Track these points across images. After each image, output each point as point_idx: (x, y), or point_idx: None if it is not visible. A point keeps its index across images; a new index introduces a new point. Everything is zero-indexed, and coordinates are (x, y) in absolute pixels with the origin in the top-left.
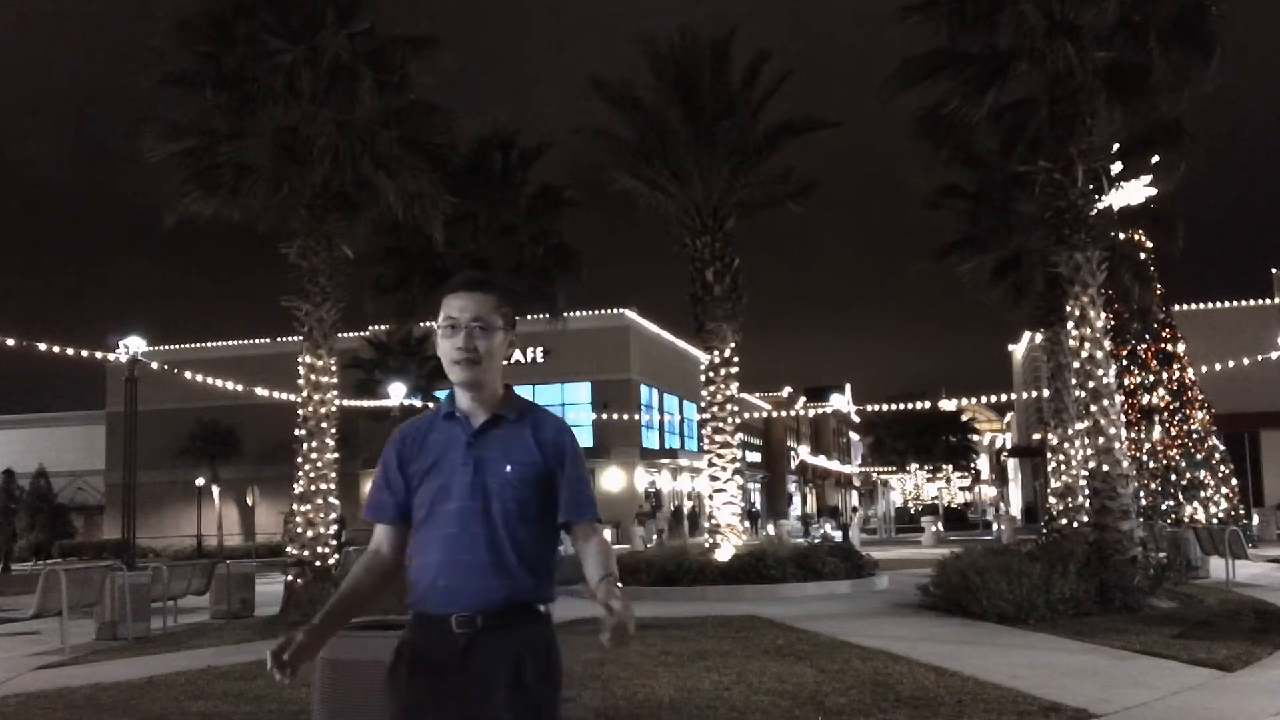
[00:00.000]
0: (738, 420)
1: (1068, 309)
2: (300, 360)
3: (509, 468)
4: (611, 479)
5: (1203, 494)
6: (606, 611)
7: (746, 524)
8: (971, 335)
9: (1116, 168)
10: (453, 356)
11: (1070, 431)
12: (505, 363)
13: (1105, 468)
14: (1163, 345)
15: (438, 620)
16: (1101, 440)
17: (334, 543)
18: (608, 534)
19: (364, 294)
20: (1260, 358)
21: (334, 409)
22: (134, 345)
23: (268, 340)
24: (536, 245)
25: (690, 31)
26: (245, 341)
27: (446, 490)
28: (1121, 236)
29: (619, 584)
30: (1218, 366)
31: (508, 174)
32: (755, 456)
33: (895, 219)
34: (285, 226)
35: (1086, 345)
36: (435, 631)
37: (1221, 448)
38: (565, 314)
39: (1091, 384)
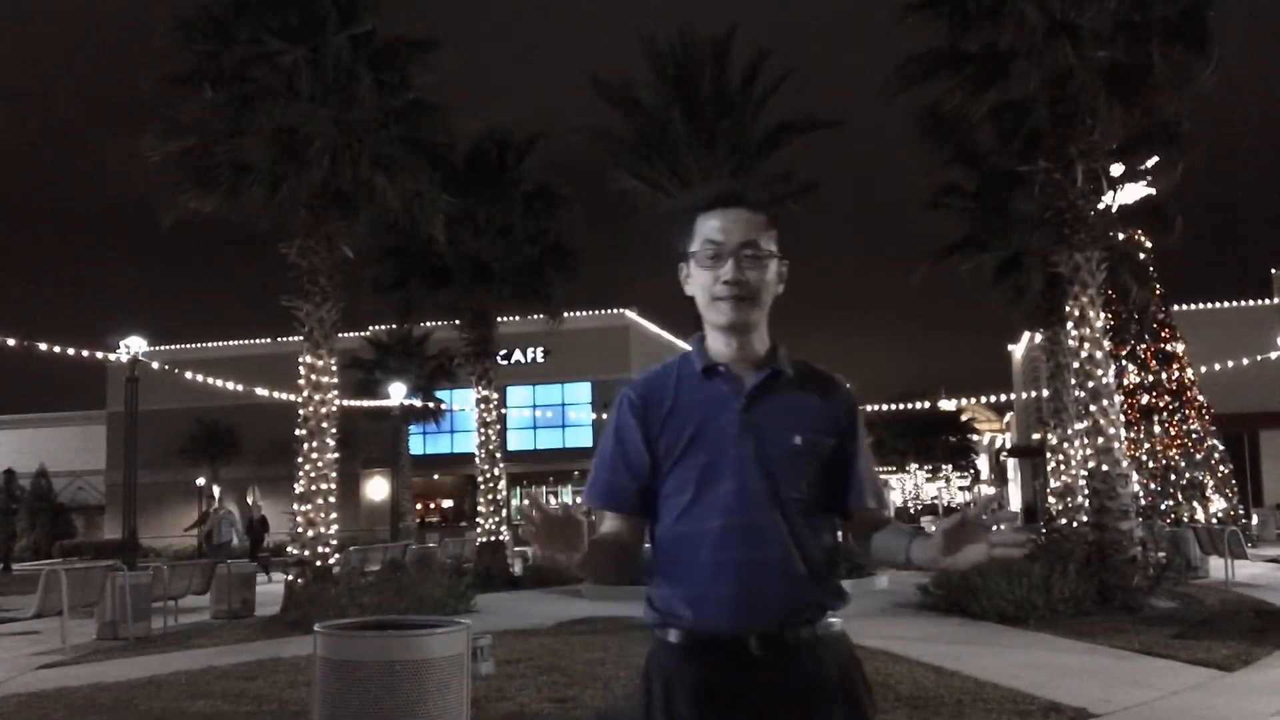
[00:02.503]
0: None
1: (1067, 309)
2: (300, 360)
3: (798, 439)
4: None
5: (1202, 494)
6: (968, 519)
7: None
8: (971, 335)
9: (1117, 168)
10: (715, 292)
11: (1070, 431)
12: (777, 293)
13: (1105, 467)
14: (1162, 345)
15: (726, 642)
16: (1101, 440)
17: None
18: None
19: (364, 294)
20: (1260, 358)
21: (334, 409)
22: (134, 345)
23: (268, 340)
24: (533, 245)
25: (690, 31)
26: (245, 341)
27: (715, 468)
28: (1121, 236)
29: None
30: (1217, 366)
31: (504, 171)
32: None
33: (895, 219)
34: (285, 226)
35: (1086, 345)
36: (725, 656)
37: (1221, 448)
38: (563, 314)
39: (1091, 384)
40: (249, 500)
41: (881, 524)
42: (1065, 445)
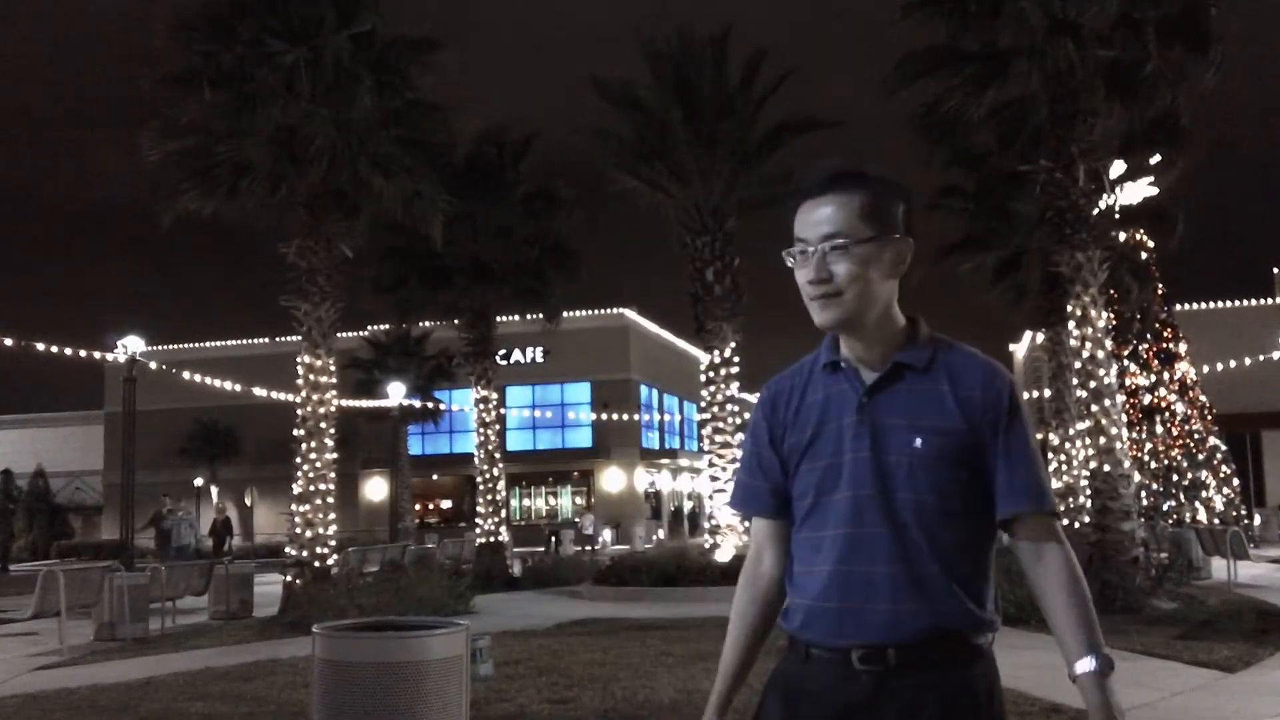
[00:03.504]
0: (738, 420)
1: (1069, 309)
2: (299, 360)
3: (918, 440)
4: (611, 479)
5: (1204, 494)
6: None
7: (746, 524)
8: (972, 335)
9: (1118, 167)
10: (806, 293)
11: (1071, 431)
12: (894, 280)
13: (1107, 468)
14: (1164, 345)
15: (830, 654)
16: (1103, 440)
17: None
18: (1060, 544)
19: (363, 293)
20: (1262, 357)
21: (333, 409)
22: (132, 345)
23: (266, 340)
24: (532, 245)
25: (689, 31)
26: (244, 341)
27: (835, 472)
28: (1122, 236)
29: (1109, 667)
30: (1219, 366)
31: (503, 172)
32: None
33: None
34: (284, 226)
35: (1088, 345)
36: (827, 670)
37: (1223, 448)
38: (562, 314)
39: (1093, 384)
40: (247, 502)
41: (1047, 543)
42: (1067, 445)
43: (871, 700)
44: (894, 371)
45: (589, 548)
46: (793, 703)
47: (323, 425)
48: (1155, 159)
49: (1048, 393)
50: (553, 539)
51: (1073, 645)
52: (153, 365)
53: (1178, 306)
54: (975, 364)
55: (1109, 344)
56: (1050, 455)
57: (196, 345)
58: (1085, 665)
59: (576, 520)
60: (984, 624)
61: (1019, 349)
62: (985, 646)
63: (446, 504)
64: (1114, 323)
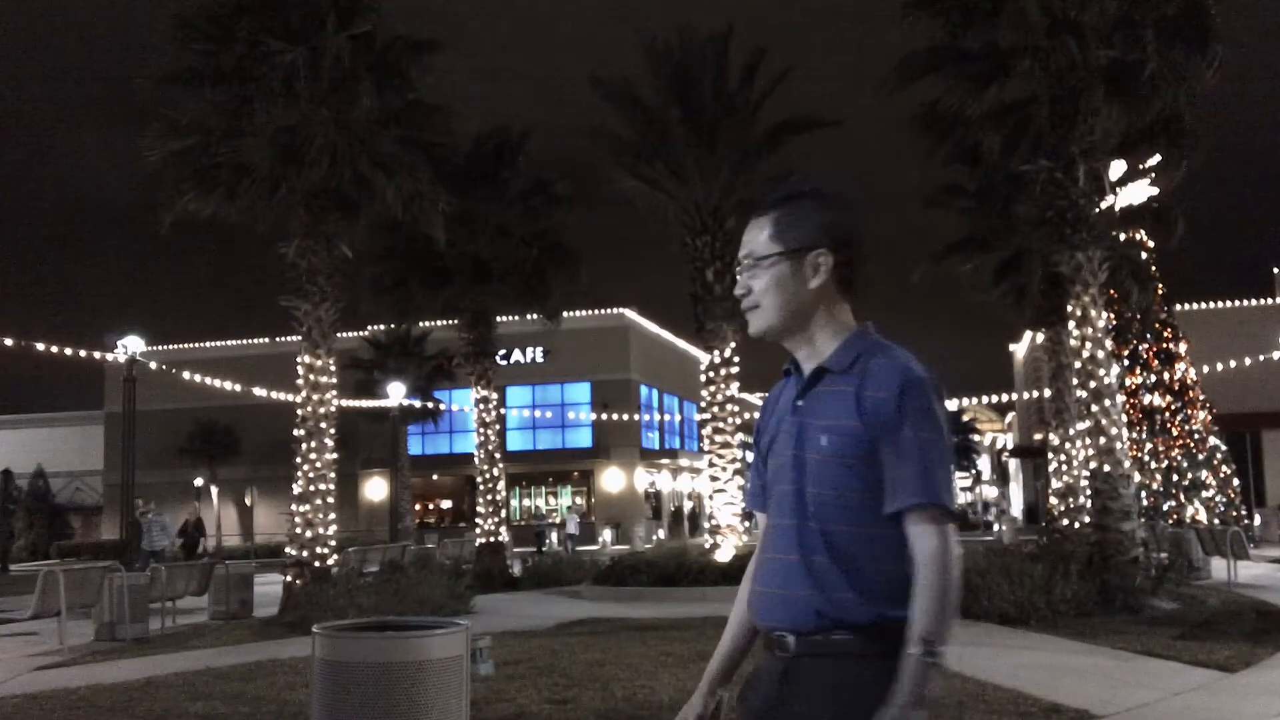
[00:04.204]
0: (738, 420)
1: (1069, 309)
2: (299, 360)
3: (824, 439)
4: (611, 479)
5: (1204, 494)
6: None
7: (746, 524)
8: (972, 335)
9: (1118, 167)
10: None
11: (1072, 432)
12: (816, 289)
13: (1107, 468)
14: (1164, 345)
15: (766, 639)
16: (1103, 440)
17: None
18: (935, 538)
19: (363, 293)
20: (1262, 357)
21: (333, 409)
22: (132, 345)
23: (266, 340)
24: (531, 245)
25: (689, 31)
26: (244, 341)
27: (779, 470)
28: (1123, 236)
29: (931, 658)
30: (1219, 366)
31: (501, 170)
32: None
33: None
34: (283, 226)
35: (1088, 345)
36: (767, 653)
37: (1223, 448)
38: (562, 314)
39: (1093, 384)
40: (247, 501)
41: (922, 537)
42: (1067, 445)
43: (782, 684)
44: (816, 375)
45: (573, 546)
46: (750, 683)
47: (323, 425)
48: (1155, 159)
49: (1048, 393)
50: (539, 538)
51: (910, 632)
52: (153, 365)
53: (1178, 306)
54: (890, 367)
55: (1109, 344)
56: (1050, 455)
57: (196, 345)
58: (908, 650)
59: (556, 519)
60: (883, 620)
61: (1019, 349)
62: (876, 642)
63: (446, 504)
64: (1114, 323)
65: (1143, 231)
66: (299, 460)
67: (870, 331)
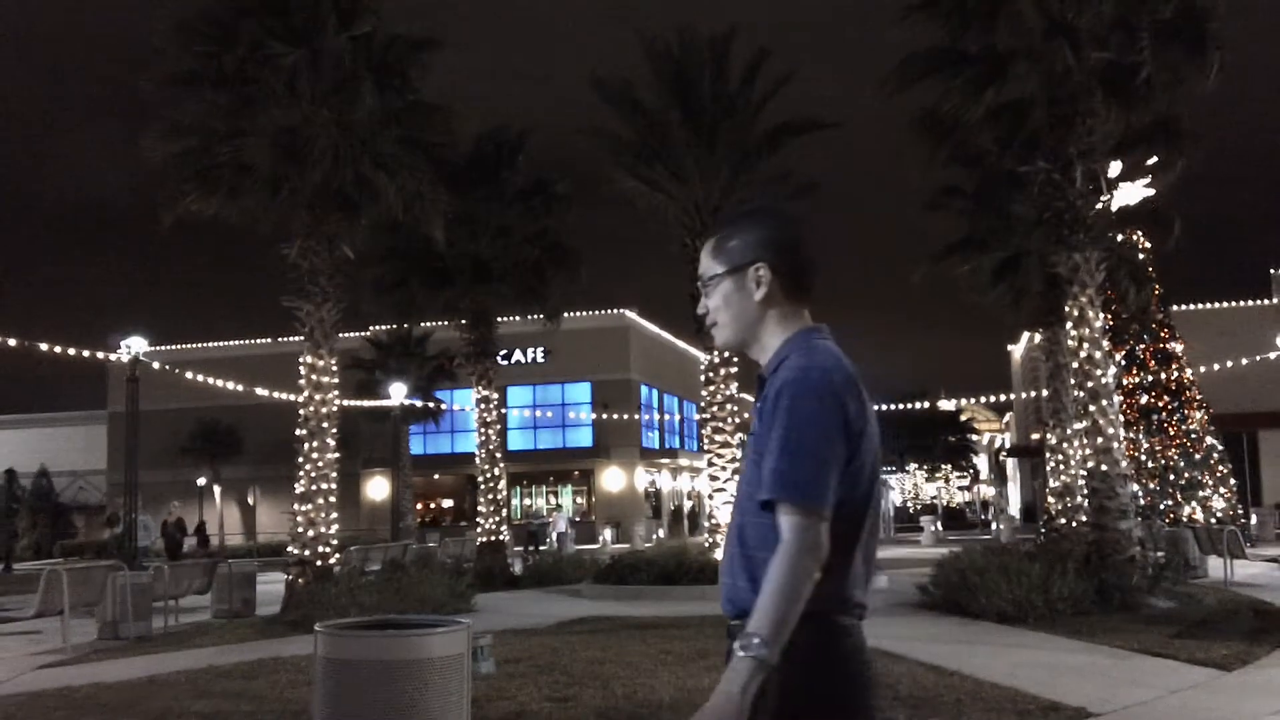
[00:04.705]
0: (738, 420)
1: (1066, 309)
2: (301, 360)
3: (750, 441)
4: (612, 478)
5: (1201, 494)
6: None
7: None
8: (970, 335)
9: (1115, 168)
10: None
11: (1069, 431)
12: (761, 299)
13: (1104, 467)
14: (1161, 345)
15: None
16: (1100, 440)
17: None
18: (783, 534)
19: (364, 294)
20: (1258, 358)
21: (335, 409)
22: (135, 345)
23: (269, 340)
24: (532, 245)
25: (690, 31)
26: (246, 342)
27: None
28: (1120, 237)
29: (751, 648)
30: (1216, 366)
31: (502, 170)
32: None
33: (895, 219)
34: (285, 227)
35: (1085, 345)
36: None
37: (1220, 447)
38: (563, 314)
39: (1090, 384)
40: (250, 501)
41: (781, 532)
42: (1064, 445)
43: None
44: (761, 381)
45: (564, 546)
46: None
47: (325, 425)
48: (1153, 160)
49: (1045, 393)
50: (531, 537)
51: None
52: (156, 365)
53: (1175, 307)
54: (786, 368)
55: (1106, 344)
56: (1048, 455)
57: (199, 345)
58: (738, 641)
59: (545, 519)
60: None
61: (1017, 349)
62: (799, 641)
63: (448, 503)
64: (1111, 323)
65: (1140, 232)
66: (301, 460)
67: (811, 335)
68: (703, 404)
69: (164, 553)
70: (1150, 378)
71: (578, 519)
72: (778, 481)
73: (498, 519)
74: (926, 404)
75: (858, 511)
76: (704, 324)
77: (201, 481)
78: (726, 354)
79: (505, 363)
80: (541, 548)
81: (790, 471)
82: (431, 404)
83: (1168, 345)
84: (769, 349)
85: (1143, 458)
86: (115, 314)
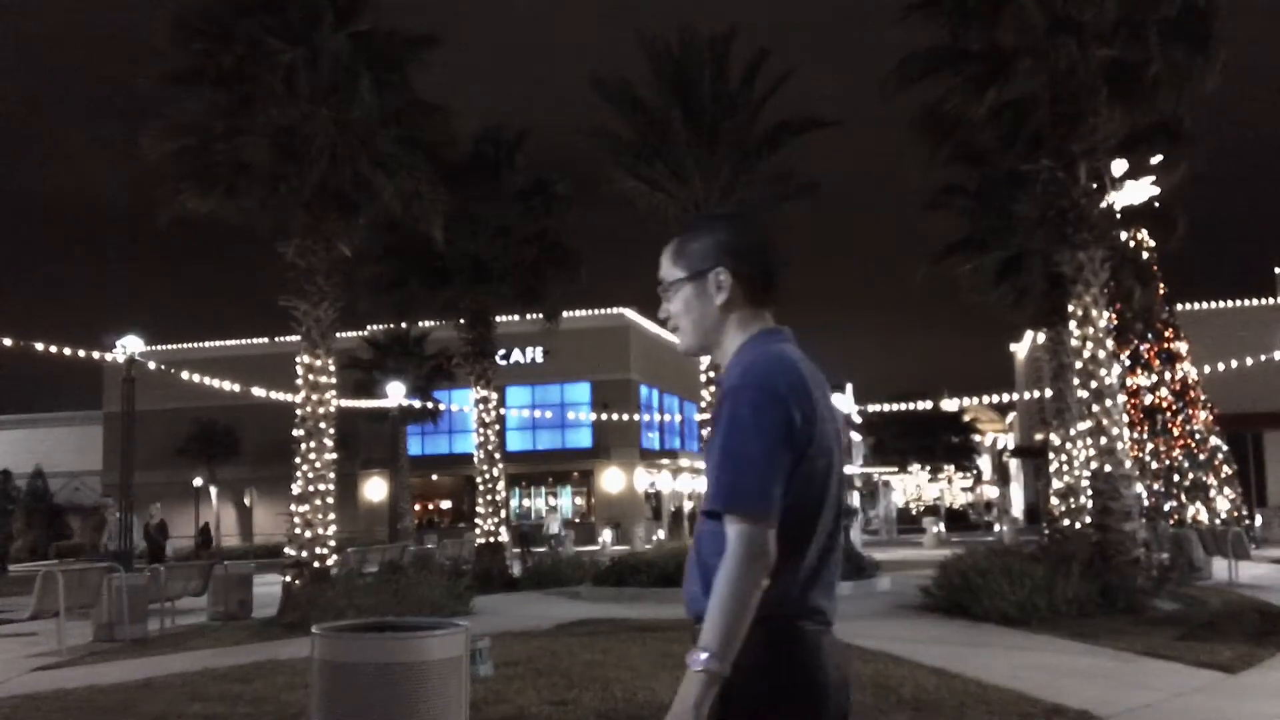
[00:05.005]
0: None
1: (1070, 309)
2: (298, 360)
3: (706, 446)
4: (611, 479)
5: (1205, 495)
6: None
7: None
8: (973, 335)
9: (1119, 167)
10: None
11: (1073, 432)
12: (720, 304)
13: (1108, 468)
14: (1165, 345)
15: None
16: (1104, 440)
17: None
18: (728, 543)
19: (362, 293)
20: (1264, 357)
21: (332, 409)
22: (131, 345)
23: (266, 340)
24: (531, 244)
25: (690, 31)
26: (243, 341)
27: None
28: (1124, 236)
29: (701, 662)
30: (1221, 366)
31: (501, 170)
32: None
33: (895, 218)
34: (283, 226)
35: (1089, 345)
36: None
37: (1225, 448)
38: (562, 314)
39: (1094, 384)
40: (246, 502)
41: (728, 544)
42: (1068, 446)
43: None
44: (718, 387)
45: (556, 547)
46: None
47: (322, 425)
48: (1157, 159)
49: (1049, 393)
50: (524, 539)
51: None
52: (151, 365)
53: (1179, 306)
54: (731, 375)
55: (1110, 344)
56: (1051, 456)
57: (195, 345)
58: (690, 655)
59: (532, 522)
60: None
61: (1020, 349)
62: (749, 645)
63: (446, 504)
64: (1115, 322)
65: (1144, 231)
66: (298, 460)
67: (768, 338)
68: (703, 404)
69: (145, 556)
70: (1155, 377)
71: (577, 520)
72: (720, 491)
73: (496, 520)
74: (929, 404)
75: (809, 515)
76: (667, 326)
77: (198, 482)
78: None
79: (504, 363)
80: (534, 549)
81: (732, 480)
82: (430, 404)
83: (1172, 345)
84: (729, 353)
85: (1147, 458)
86: (111, 313)
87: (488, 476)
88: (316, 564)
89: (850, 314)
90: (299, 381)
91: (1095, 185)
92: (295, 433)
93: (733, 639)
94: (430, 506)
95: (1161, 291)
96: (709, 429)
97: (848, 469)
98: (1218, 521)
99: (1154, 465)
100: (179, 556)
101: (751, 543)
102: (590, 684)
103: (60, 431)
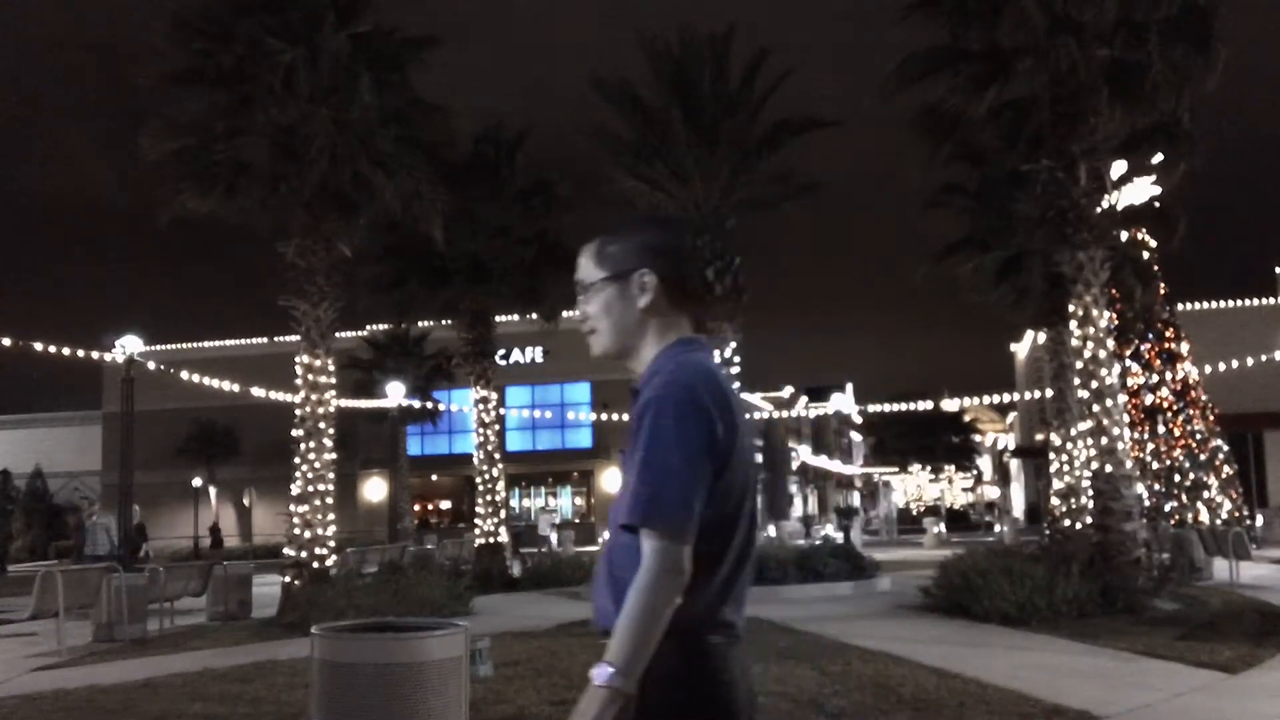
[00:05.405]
0: None
1: (1070, 309)
2: (298, 360)
3: (621, 458)
4: (612, 479)
5: (1206, 495)
6: None
7: None
8: (973, 335)
9: (1119, 166)
10: None
11: (1073, 432)
12: (642, 308)
13: (1108, 468)
14: (1166, 345)
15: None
16: (1105, 441)
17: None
18: (644, 558)
19: (361, 293)
20: (1264, 357)
21: (332, 409)
22: (130, 345)
23: (265, 340)
24: (531, 245)
25: (690, 31)
26: (242, 341)
27: None
28: (1124, 236)
29: (608, 679)
30: (1221, 366)
31: (501, 170)
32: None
33: (895, 218)
34: (283, 226)
35: (1089, 345)
36: None
37: (1225, 448)
38: (562, 314)
39: (1094, 384)
40: (246, 502)
41: (644, 559)
42: (1069, 446)
43: None
44: (633, 395)
45: (550, 549)
46: None
47: (321, 425)
48: (1157, 158)
49: (1049, 393)
50: (517, 539)
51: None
52: (151, 365)
53: (1180, 306)
54: (653, 385)
55: (1111, 344)
56: (1052, 456)
57: (195, 345)
58: (595, 670)
59: (522, 524)
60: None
61: (1020, 349)
62: (657, 659)
63: (446, 504)
64: (1116, 322)
65: (1144, 231)
66: (298, 460)
67: (685, 347)
68: None
69: (125, 559)
70: (1155, 377)
71: (577, 520)
72: (639, 505)
73: (496, 520)
74: (929, 404)
75: (725, 530)
76: (583, 328)
77: (197, 483)
78: (728, 354)
79: (504, 363)
80: (523, 550)
81: (652, 495)
82: (429, 404)
83: (1173, 345)
84: (645, 360)
85: (1147, 458)
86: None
87: (487, 477)
88: (316, 564)
89: (850, 314)
90: (298, 381)
91: (1095, 185)
92: (295, 433)
93: (640, 656)
94: (430, 506)
95: (1162, 291)
96: (629, 438)
97: (846, 469)
98: (1218, 522)
99: (1155, 465)
100: (178, 557)
101: (667, 559)
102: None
103: (60, 432)
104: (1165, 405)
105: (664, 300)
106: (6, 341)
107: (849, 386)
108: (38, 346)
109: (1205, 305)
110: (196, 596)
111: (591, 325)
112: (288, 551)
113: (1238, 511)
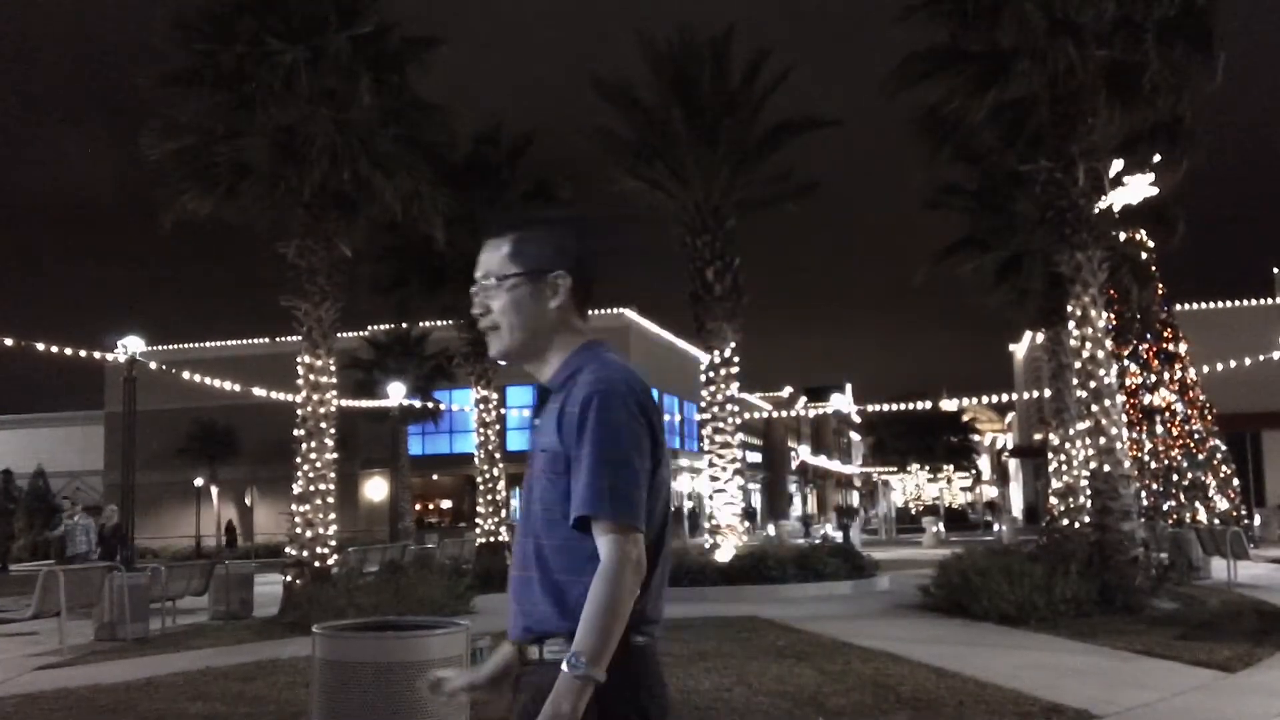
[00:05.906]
0: (738, 420)
1: (1069, 309)
2: (299, 360)
3: (539, 458)
4: None
5: (1204, 494)
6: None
7: (746, 524)
8: (972, 335)
9: (1118, 167)
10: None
11: (1072, 432)
12: (552, 309)
13: (1107, 468)
14: (1164, 345)
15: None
16: (1103, 440)
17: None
18: (605, 550)
19: (362, 293)
20: (1262, 357)
21: (333, 409)
22: (132, 345)
23: (266, 340)
24: None
25: (690, 31)
26: (244, 341)
27: (525, 489)
28: (1123, 236)
29: (580, 666)
30: (1219, 366)
31: (501, 170)
32: (755, 457)
33: (895, 218)
34: (283, 226)
35: (1088, 345)
36: (521, 663)
37: (1223, 448)
38: None
39: (1093, 384)
40: (247, 502)
41: (600, 556)
42: (1067, 446)
43: (515, 694)
44: (542, 395)
45: None
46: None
47: (323, 425)
48: (1156, 159)
49: (1048, 393)
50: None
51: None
52: (153, 365)
53: (1178, 306)
54: (586, 381)
55: (1109, 344)
56: (1050, 455)
57: (196, 345)
58: (565, 661)
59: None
60: (567, 630)
61: (1019, 349)
62: (556, 657)
63: (446, 504)
64: (1114, 323)
65: (1143, 231)
66: (299, 460)
67: (599, 348)
68: (703, 404)
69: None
70: (1153, 377)
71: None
72: (595, 497)
73: (497, 520)
74: (928, 404)
75: (658, 524)
76: (481, 324)
77: (199, 482)
78: (728, 354)
79: (504, 362)
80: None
81: (607, 487)
82: (430, 404)
83: (1171, 345)
84: (551, 361)
85: (1146, 458)
86: (112, 313)
87: (488, 476)
88: (317, 563)
89: (850, 314)
90: (299, 381)
91: (1094, 186)
92: (296, 432)
93: (609, 645)
94: (430, 506)
95: (1161, 291)
96: (553, 437)
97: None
98: (1216, 521)
99: (1153, 465)
100: (179, 557)
101: (630, 549)
102: None
103: (61, 431)
104: (1163, 405)
105: (572, 303)
106: (9, 341)
107: (848, 386)
108: (39, 346)
109: (1203, 305)
110: (198, 596)
111: (493, 321)
112: (289, 551)
113: (1236, 511)
